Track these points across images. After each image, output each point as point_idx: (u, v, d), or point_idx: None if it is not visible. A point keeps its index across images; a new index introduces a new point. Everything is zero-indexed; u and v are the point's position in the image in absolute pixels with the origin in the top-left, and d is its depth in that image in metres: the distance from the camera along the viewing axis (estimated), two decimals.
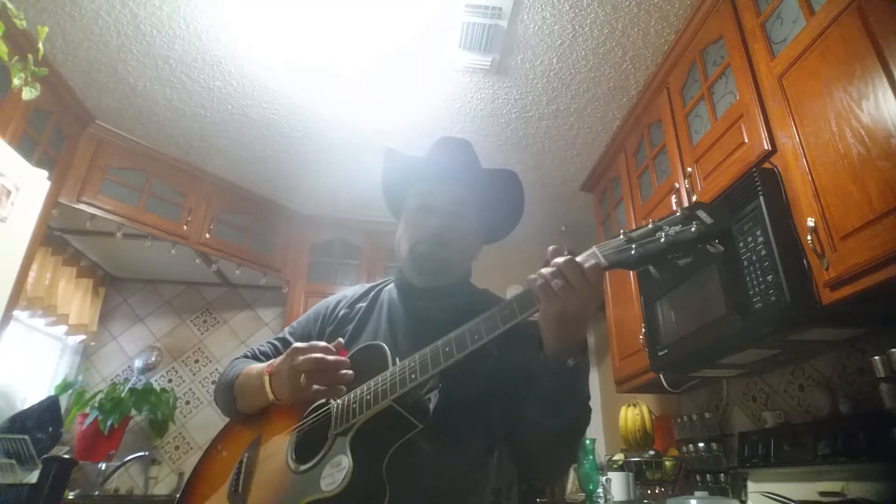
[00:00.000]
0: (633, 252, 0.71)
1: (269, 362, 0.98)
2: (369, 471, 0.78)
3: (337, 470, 0.79)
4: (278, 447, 0.93)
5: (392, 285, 1.12)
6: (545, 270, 0.74)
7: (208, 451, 1.08)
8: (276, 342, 1.14)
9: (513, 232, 1.14)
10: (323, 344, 0.89)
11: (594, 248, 0.75)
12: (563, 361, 0.77)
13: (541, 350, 0.81)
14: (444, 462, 0.87)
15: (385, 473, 0.78)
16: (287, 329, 1.16)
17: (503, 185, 1.05)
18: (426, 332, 0.86)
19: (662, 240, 0.69)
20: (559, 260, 0.73)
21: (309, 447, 0.87)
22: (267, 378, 0.94)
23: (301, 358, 0.87)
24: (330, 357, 0.87)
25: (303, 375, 0.85)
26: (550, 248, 0.77)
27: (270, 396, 0.94)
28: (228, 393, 1.04)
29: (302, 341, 1.07)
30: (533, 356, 0.85)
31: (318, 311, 1.14)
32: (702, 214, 0.69)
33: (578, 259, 0.73)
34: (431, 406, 0.86)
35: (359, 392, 0.86)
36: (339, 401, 0.88)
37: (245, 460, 0.96)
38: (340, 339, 0.96)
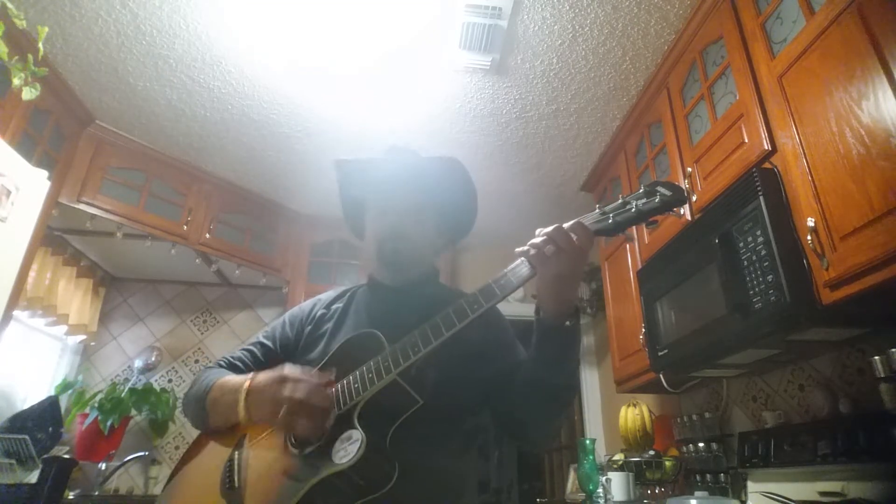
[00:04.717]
0: (609, 221, 0.83)
1: (248, 375, 0.92)
2: (378, 445, 0.80)
3: (349, 443, 0.80)
4: (271, 439, 0.91)
5: (365, 287, 1.15)
6: (536, 240, 0.83)
7: (187, 454, 1.03)
8: (251, 348, 1.11)
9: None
10: (315, 381, 0.86)
11: (576, 219, 0.84)
12: (562, 322, 0.85)
13: (538, 316, 0.88)
14: (440, 440, 0.91)
15: (388, 449, 0.81)
16: (261, 334, 1.14)
17: (450, 172, 1.09)
18: (406, 321, 0.89)
19: (633, 210, 0.82)
20: (547, 229, 0.82)
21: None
22: (243, 394, 0.89)
23: (289, 387, 0.83)
24: (317, 398, 0.84)
25: (285, 406, 0.82)
26: (538, 230, 0.85)
27: (242, 414, 0.89)
28: (200, 406, 0.99)
29: (280, 346, 1.08)
30: (510, 349, 0.99)
31: (293, 314, 1.14)
32: (661, 189, 0.81)
33: (564, 226, 0.82)
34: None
35: (358, 374, 0.87)
36: (338, 385, 0.89)
37: (235, 457, 0.93)
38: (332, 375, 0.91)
